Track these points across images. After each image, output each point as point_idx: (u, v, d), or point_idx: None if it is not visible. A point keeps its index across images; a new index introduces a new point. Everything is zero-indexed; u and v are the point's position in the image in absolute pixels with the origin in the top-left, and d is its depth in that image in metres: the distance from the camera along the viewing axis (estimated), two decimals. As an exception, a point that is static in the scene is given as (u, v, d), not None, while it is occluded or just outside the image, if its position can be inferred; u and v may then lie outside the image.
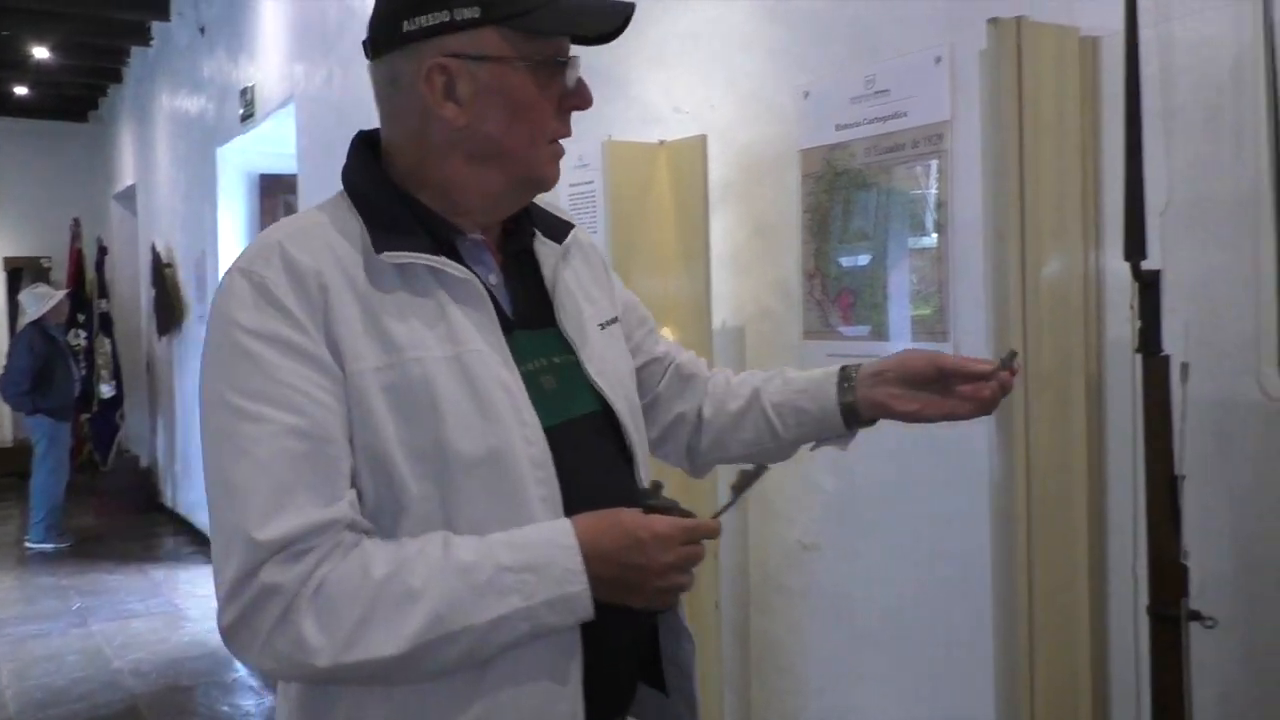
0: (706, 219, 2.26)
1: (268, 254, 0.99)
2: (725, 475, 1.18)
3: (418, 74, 1.02)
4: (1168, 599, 1.32)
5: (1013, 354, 1.18)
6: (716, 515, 1.05)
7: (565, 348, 1.11)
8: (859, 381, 1.23)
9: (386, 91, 1.06)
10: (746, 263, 2.38)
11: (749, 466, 1.10)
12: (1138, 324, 1.34)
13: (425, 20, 1.02)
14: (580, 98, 1.09)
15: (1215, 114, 1.42)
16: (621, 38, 1.09)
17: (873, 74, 2.05)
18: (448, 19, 1.02)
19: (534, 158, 1.08)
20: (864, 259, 2.09)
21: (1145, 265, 1.35)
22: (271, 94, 5.25)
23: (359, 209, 1.06)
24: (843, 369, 1.26)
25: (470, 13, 1.02)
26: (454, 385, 1.00)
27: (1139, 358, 1.34)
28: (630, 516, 1.00)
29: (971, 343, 1.76)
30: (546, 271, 1.14)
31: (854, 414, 1.24)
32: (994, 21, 1.44)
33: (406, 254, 1.02)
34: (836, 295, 2.15)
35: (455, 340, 1.02)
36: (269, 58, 5.28)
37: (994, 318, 1.48)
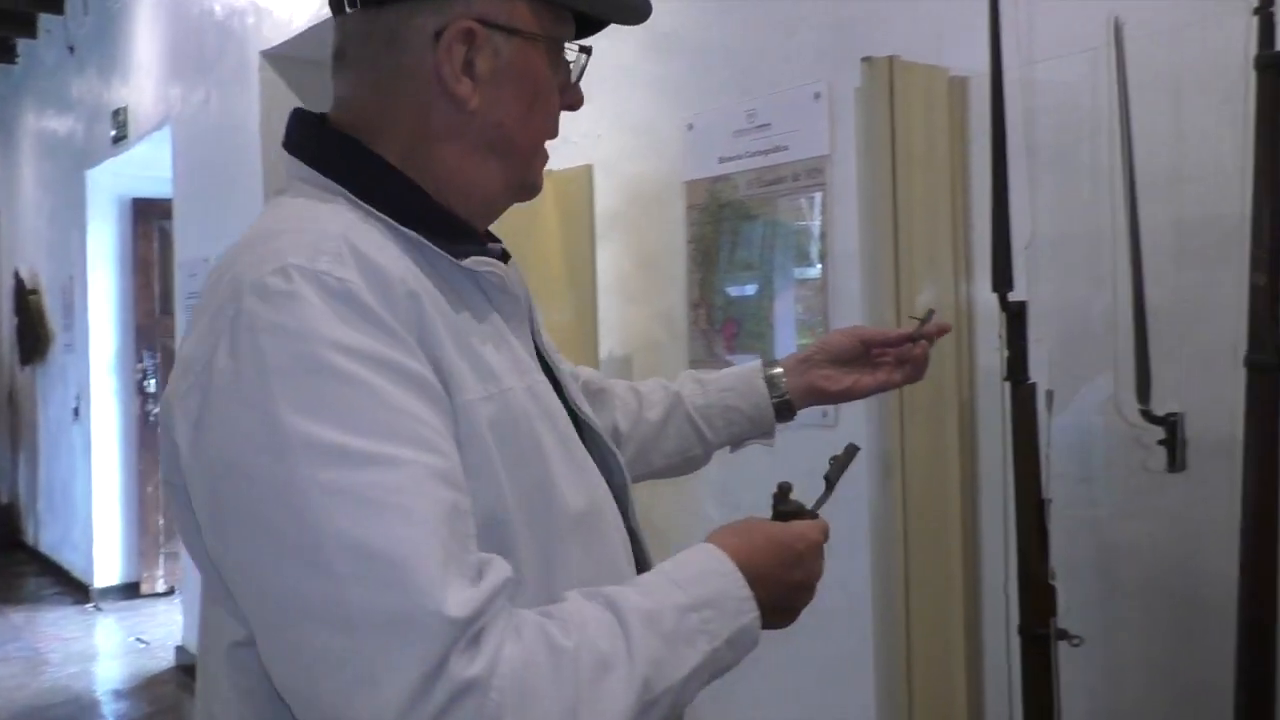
0: (593, 249, 2.27)
1: (337, 250, 0.74)
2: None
3: (430, 37, 0.84)
4: (1038, 619, 1.36)
5: (930, 312, 1.21)
6: (815, 509, 0.95)
7: (547, 371, 0.93)
8: (787, 372, 1.21)
9: (376, 52, 0.85)
10: (633, 293, 2.39)
11: (837, 453, 1.03)
12: (1005, 353, 1.39)
13: None
14: (577, 96, 0.94)
15: (1074, 153, 1.49)
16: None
17: (754, 108, 2.09)
18: None
19: (536, 158, 0.92)
20: (750, 289, 2.12)
21: (1012, 296, 1.41)
22: (146, 116, 5.08)
23: (379, 204, 0.83)
24: (764, 363, 1.23)
25: None
26: (544, 424, 0.84)
27: (1007, 385, 1.39)
28: (779, 529, 0.88)
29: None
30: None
31: (786, 406, 1.21)
32: (868, 60, 1.49)
33: (485, 260, 0.85)
34: (721, 324, 2.18)
35: (521, 369, 0.86)
36: (143, 79, 5.11)
37: (871, 347, 1.51)
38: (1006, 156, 1.37)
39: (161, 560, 5.80)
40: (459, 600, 0.65)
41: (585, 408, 0.97)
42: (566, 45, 0.90)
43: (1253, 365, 1.21)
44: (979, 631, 1.63)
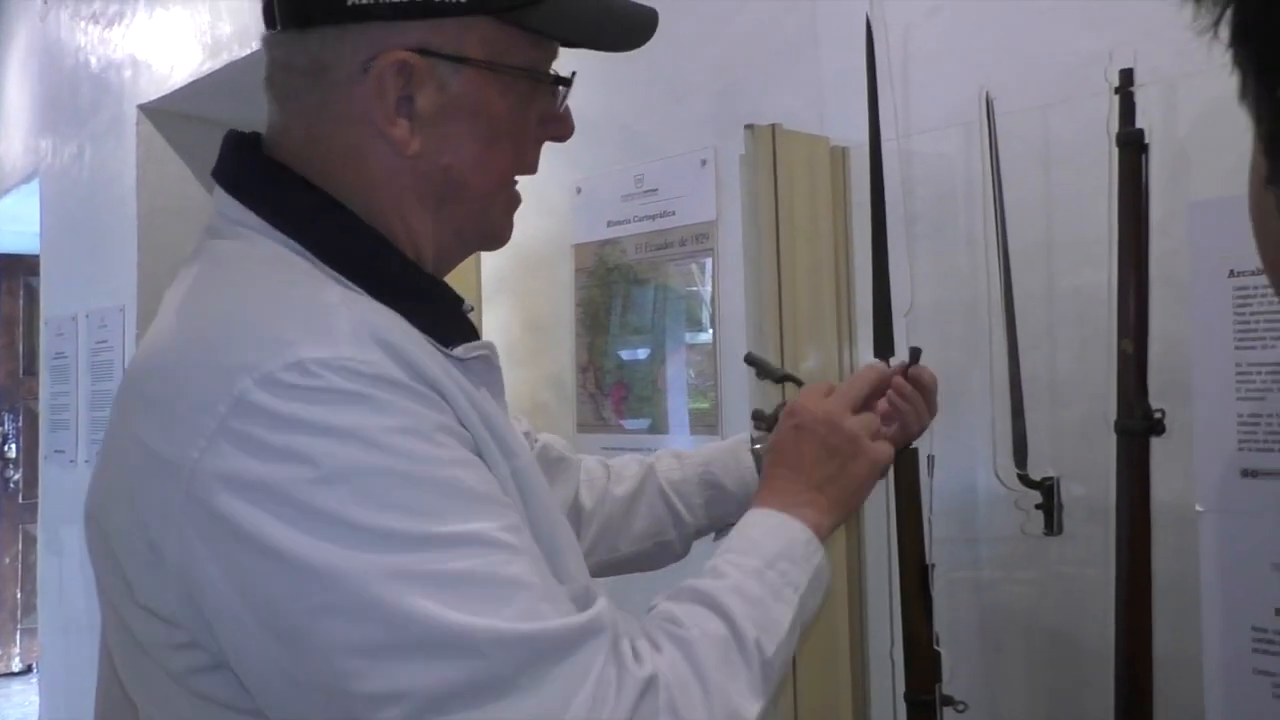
0: (479, 312, 2.24)
1: (353, 333, 0.65)
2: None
3: (361, 68, 0.72)
4: (922, 685, 1.36)
5: (916, 350, 1.15)
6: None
7: None
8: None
9: (301, 83, 0.74)
10: (521, 356, 2.36)
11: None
12: (888, 418, 1.40)
13: None
14: (564, 125, 0.83)
15: (951, 222, 1.53)
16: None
17: (642, 173, 2.10)
18: None
19: (495, 204, 0.81)
20: (641, 353, 2.11)
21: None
22: (13, 168, 4.87)
23: (343, 266, 0.72)
24: (752, 437, 1.11)
25: None
26: (547, 498, 0.78)
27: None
28: (788, 433, 0.90)
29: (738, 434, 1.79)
30: None
31: None
32: (750, 128, 1.50)
33: (474, 346, 0.76)
34: (610, 388, 2.17)
35: (519, 443, 0.77)
36: (11, 129, 4.91)
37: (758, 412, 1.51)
38: (886, 224, 1.39)
39: (18, 637, 5.46)
40: (593, 615, 0.65)
41: None
42: (537, 74, 0.79)
43: (1122, 430, 1.24)
44: (866, 697, 1.62)
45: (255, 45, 3.07)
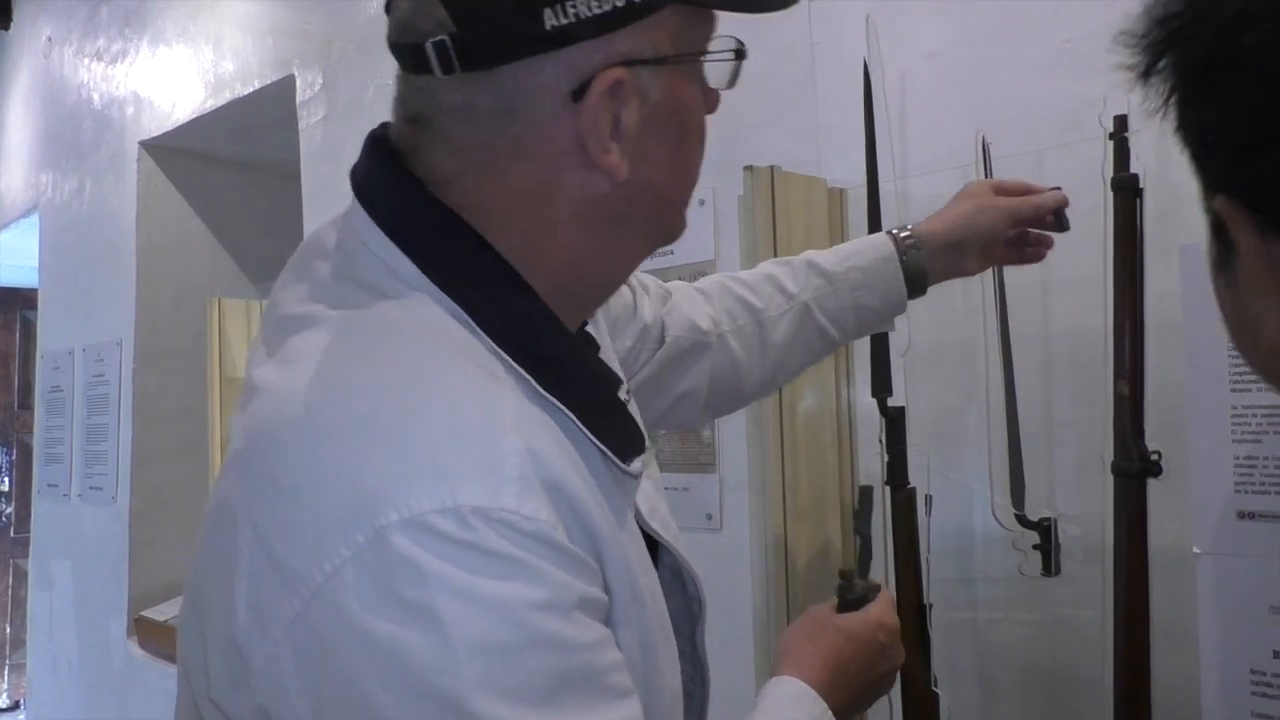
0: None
1: (520, 476, 0.57)
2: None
3: (564, 99, 0.64)
4: (920, 727, 1.35)
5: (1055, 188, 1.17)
6: (872, 581, 0.98)
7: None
8: (928, 256, 1.10)
9: (484, 128, 0.66)
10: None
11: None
12: (885, 458, 1.41)
13: (588, 6, 0.62)
14: (716, 97, 0.74)
15: (948, 263, 1.54)
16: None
17: (641, 212, 2.12)
18: (623, 1, 0.63)
19: (688, 199, 0.74)
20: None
21: (891, 402, 1.43)
22: (14, 202, 4.89)
23: (521, 356, 0.65)
24: (899, 242, 1.10)
25: None
26: (657, 618, 0.72)
27: (887, 490, 1.40)
28: (857, 624, 0.88)
29: (735, 474, 1.79)
30: None
31: (920, 287, 1.12)
32: (749, 169, 1.52)
33: (646, 457, 0.70)
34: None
35: (642, 564, 0.71)
36: (12, 164, 4.94)
37: (755, 451, 1.52)
38: (884, 266, 1.40)
39: (6, 672, 5.41)
40: None
41: (667, 535, 0.82)
42: (711, 46, 0.70)
43: (1119, 472, 1.25)
44: (864, 739, 1.61)
45: (257, 84, 3.10)
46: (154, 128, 3.59)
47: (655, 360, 1.01)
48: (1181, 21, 0.52)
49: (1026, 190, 1.19)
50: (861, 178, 1.43)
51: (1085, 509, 1.31)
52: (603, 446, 0.67)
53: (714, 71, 0.71)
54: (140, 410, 3.54)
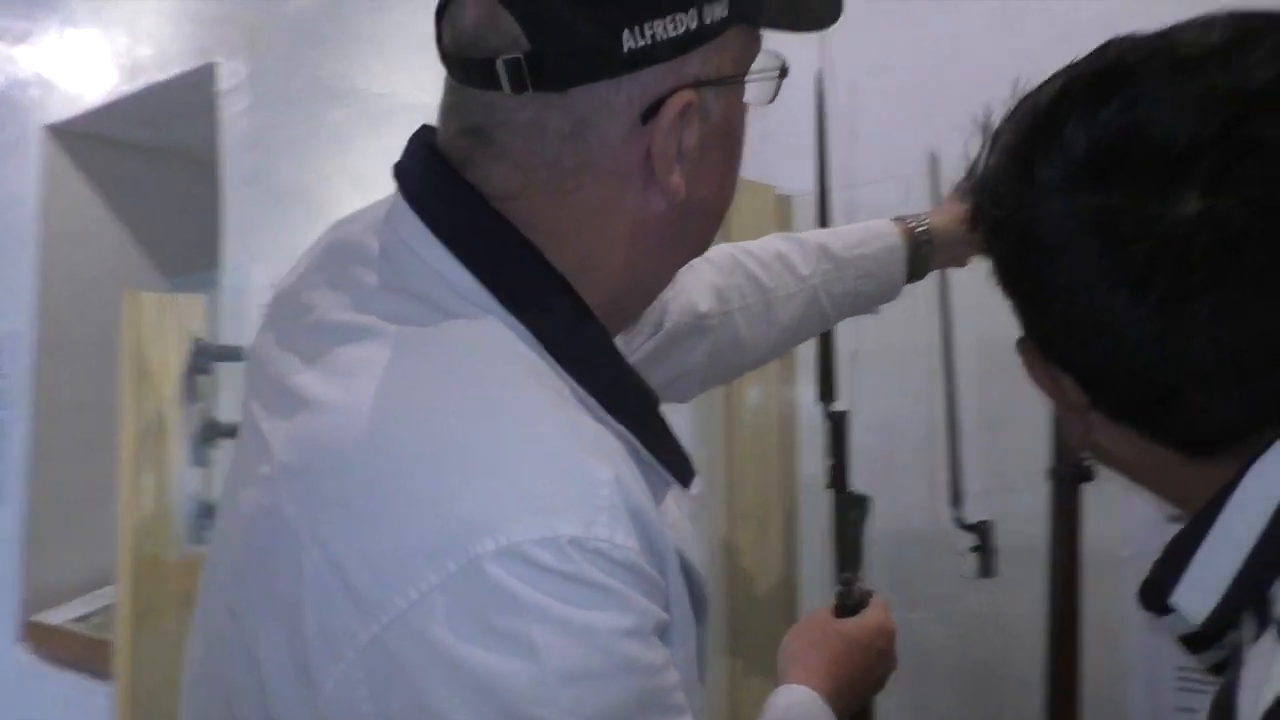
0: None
1: (611, 505, 0.57)
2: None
3: (636, 119, 0.65)
4: (858, 725, 1.38)
5: None
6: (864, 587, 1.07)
7: None
8: (936, 249, 1.15)
9: (553, 147, 0.65)
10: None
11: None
12: (829, 461, 1.43)
13: (666, 28, 0.63)
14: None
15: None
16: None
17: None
18: (695, 24, 0.64)
19: (723, 218, 0.77)
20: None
21: (835, 407, 1.46)
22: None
23: (586, 381, 0.65)
24: (913, 234, 1.14)
25: (719, 9, 0.65)
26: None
27: (830, 493, 1.43)
28: (858, 630, 0.94)
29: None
30: None
31: (915, 279, 1.17)
32: (702, 174, 1.54)
33: (696, 479, 0.71)
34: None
35: (689, 622, 0.73)
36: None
37: (701, 452, 1.53)
38: (830, 273, 1.43)
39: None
40: None
41: (677, 537, 0.78)
42: (757, 65, 0.72)
43: (1055, 477, 1.30)
44: (796, 738, 1.64)
45: (176, 70, 3.02)
46: (61, 111, 3.46)
47: (648, 346, 0.99)
48: (978, 198, 0.64)
49: None
50: (809, 185, 1.46)
51: (1022, 513, 1.35)
52: (667, 473, 0.69)
53: (757, 88, 0.72)
54: (41, 405, 3.40)
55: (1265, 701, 0.45)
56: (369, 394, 0.60)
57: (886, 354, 1.57)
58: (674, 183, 0.67)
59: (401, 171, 0.72)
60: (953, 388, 1.41)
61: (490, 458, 0.57)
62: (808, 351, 1.48)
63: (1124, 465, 0.65)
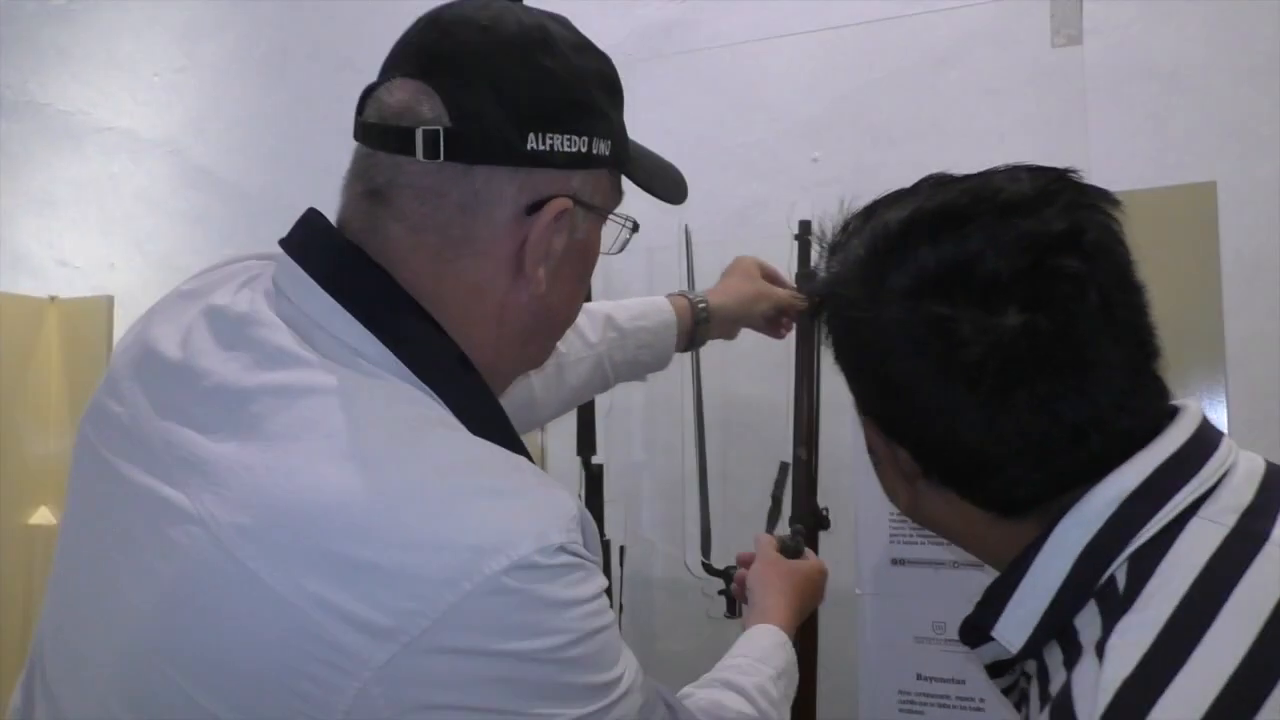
0: (107, 388, 2.04)
1: (574, 512, 0.68)
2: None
3: (520, 210, 0.74)
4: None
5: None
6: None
7: None
8: (714, 323, 1.31)
9: (445, 215, 0.74)
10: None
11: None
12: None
13: (563, 142, 0.74)
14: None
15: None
16: None
17: (304, 256, 2.07)
18: (585, 149, 0.76)
19: (558, 338, 0.88)
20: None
21: (593, 460, 1.54)
22: None
23: (476, 430, 0.71)
24: (695, 310, 1.30)
25: (603, 147, 0.77)
26: None
27: (588, 542, 1.50)
28: (809, 569, 1.21)
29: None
30: None
31: (686, 350, 1.33)
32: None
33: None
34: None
35: None
36: None
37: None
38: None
39: None
40: None
41: None
42: (613, 216, 0.84)
43: (795, 524, 1.44)
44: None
45: None
46: None
47: None
48: (824, 298, 0.76)
49: (779, 277, 1.43)
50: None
51: (766, 557, 1.48)
52: None
53: (610, 235, 0.85)
54: None
55: (1101, 706, 0.57)
56: (327, 454, 0.65)
57: (643, 407, 1.67)
58: (539, 276, 0.76)
59: (296, 245, 0.77)
60: (703, 441, 1.53)
61: (477, 496, 0.65)
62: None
63: (941, 524, 0.77)
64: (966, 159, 0.77)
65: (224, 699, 0.63)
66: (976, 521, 0.72)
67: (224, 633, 0.63)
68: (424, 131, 0.71)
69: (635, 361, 1.27)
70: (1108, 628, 0.60)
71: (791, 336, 1.47)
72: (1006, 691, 0.76)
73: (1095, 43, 1.33)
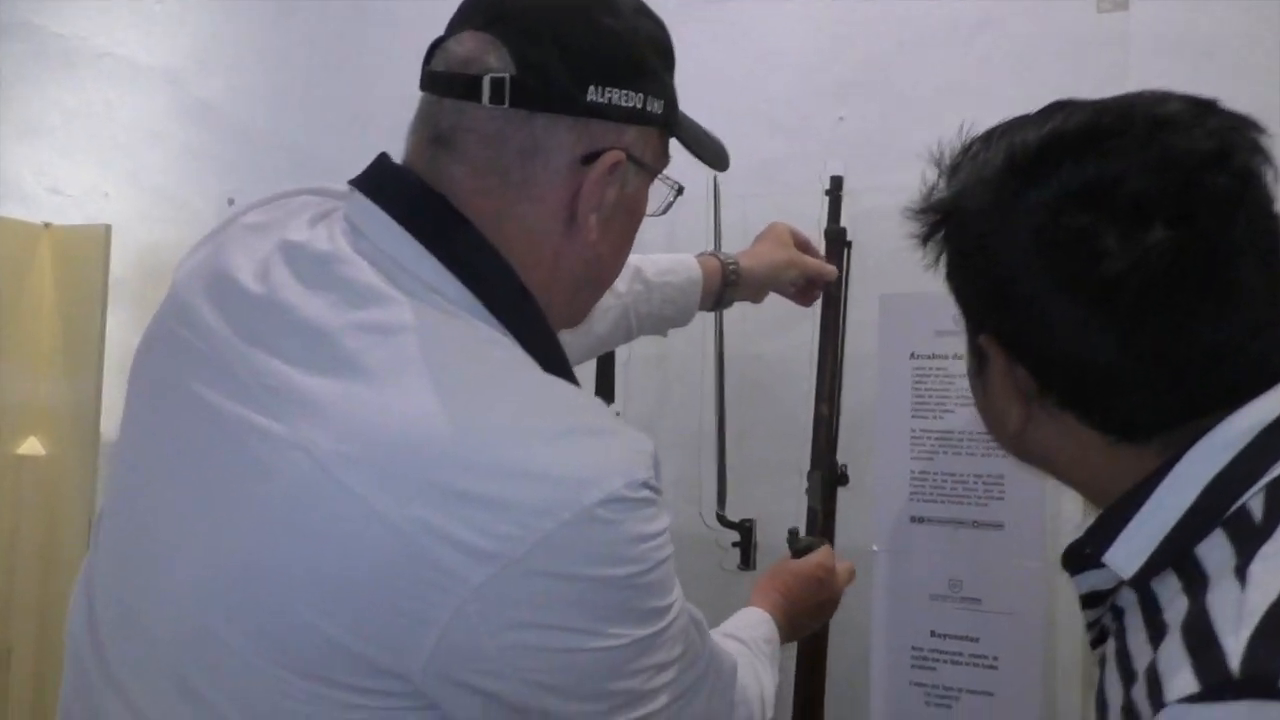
0: (103, 322, 1.99)
1: (652, 454, 0.72)
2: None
3: (577, 160, 0.78)
4: None
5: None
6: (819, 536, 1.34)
7: None
8: (742, 285, 1.33)
9: (508, 159, 0.77)
10: (136, 373, 2.14)
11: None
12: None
13: (620, 97, 0.78)
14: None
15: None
16: None
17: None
18: (640, 105, 0.79)
19: (601, 295, 0.91)
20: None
21: (612, 409, 1.53)
22: None
23: (547, 366, 0.76)
24: (725, 272, 1.31)
25: (657, 106, 0.81)
26: None
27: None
28: (800, 565, 1.21)
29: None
30: None
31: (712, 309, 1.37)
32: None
33: None
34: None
35: None
36: None
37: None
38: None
39: None
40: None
41: None
42: (661, 178, 0.87)
43: (814, 479, 1.45)
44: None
45: None
46: None
47: None
48: (946, 216, 0.74)
49: (811, 246, 1.43)
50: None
51: (782, 512, 1.49)
52: None
53: (656, 197, 0.89)
54: None
55: (1248, 628, 0.55)
56: (427, 390, 0.68)
57: (663, 360, 1.66)
58: (590, 224, 0.80)
59: (372, 185, 0.79)
60: (723, 394, 1.53)
61: (572, 433, 0.69)
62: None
63: (1050, 452, 0.75)
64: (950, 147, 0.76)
65: (324, 611, 0.66)
66: (1092, 448, 0.70)
67: (327, 551, 0.66)
68: (491, 79, 0.75)
69: (659, 316, 1.29)
70: (1247, 554, 0.59)
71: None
72: (1089, 627, 0.75)
73: (1143, 10, 1.33)
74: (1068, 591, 1.42)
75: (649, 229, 1.62)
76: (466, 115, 0.77)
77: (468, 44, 0.78)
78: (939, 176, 0.75)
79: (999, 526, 1.36)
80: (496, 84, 0.75)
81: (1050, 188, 0.66)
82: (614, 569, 0.68)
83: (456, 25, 0.80)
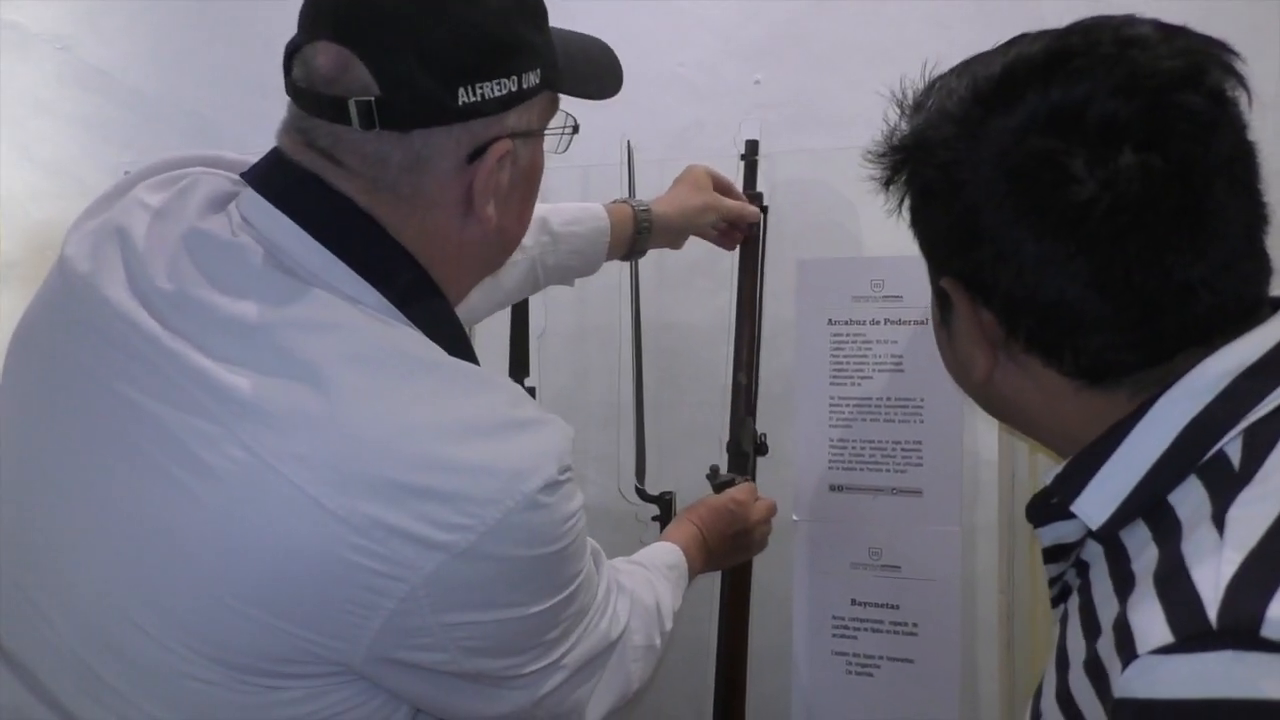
0: (-8, 299, 1.90)
1: (571, 437, 0.79)
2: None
3: (462, 160, 0.78)
4: None
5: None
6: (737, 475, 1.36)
7: None
8: (654, 236, 1.32)
9: (393, 176, 0.77)
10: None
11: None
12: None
13: (492, 89, 0.77)
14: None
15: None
16: None
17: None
18: (515, 89, 0.79)
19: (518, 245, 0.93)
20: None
21: (526, 384, 1.49)
22: None
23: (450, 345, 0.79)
24: (636, 218, 1.30)
25: (533, 78, 0.80)
26: None
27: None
28: (716, 499, 1.26)
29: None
30: None
31: (627, 258, 1.37)
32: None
33: None
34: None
35: None
36: None
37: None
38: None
39: None
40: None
41: None
42: (549, 131, 0.88)
43: (733, 451, 1.43)
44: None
45: None
46: None
47: None
48: (909, 153, 0.71)
49: (732, 189, 1.41)
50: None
51: (702, 484, 1.46)
52: None
53: (554, 140, 0.90)
54: None
55: (1226, 575, 0.52)
56: (365, 388, 0.71)
57: (580, 332, 1.62)
58: (489, 214, 0.81)
59: (274, 191, 0.78)
60: (640, 367, 1.49)
61: (509, 426, 0.74)
62: (494, 327, 1.50)
63: (1016, 401, 0.72)
64: (912, 87, 0.73)
65: (256, 601, 0.69)
66: (1059, 394, 0.67)
67: (270, 545, 0.68)
68: (356, 103, 0.74)
69: (565, 267, 1.28)
70: (1224, 501, 0.56)
71: (733, 258, 1.45)
72: (1051, 583, 0.73)
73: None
74: (986, 555, 1.43)
75: (565, 190, 1.58)
76: (341, 138, 0.76)
77: (324, 58, 0.75)
78: (900, 118, 0.72)
79: (918, 493, 1.34)
80: (363, 107, 0.74)
81: (1015, 114, 0.63)
82: (548, 546, 0.75)
83: (308, 28, 0.77)
